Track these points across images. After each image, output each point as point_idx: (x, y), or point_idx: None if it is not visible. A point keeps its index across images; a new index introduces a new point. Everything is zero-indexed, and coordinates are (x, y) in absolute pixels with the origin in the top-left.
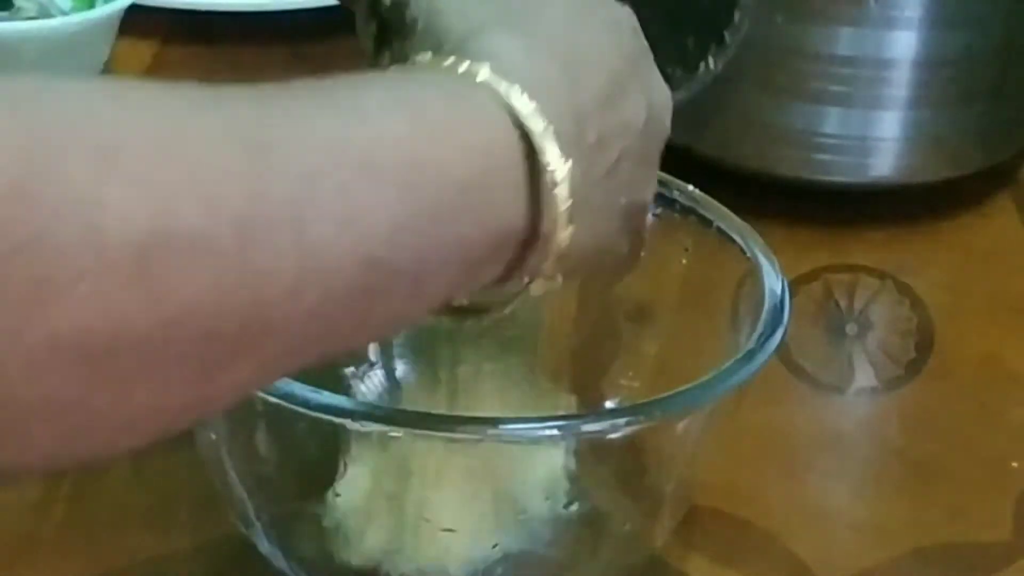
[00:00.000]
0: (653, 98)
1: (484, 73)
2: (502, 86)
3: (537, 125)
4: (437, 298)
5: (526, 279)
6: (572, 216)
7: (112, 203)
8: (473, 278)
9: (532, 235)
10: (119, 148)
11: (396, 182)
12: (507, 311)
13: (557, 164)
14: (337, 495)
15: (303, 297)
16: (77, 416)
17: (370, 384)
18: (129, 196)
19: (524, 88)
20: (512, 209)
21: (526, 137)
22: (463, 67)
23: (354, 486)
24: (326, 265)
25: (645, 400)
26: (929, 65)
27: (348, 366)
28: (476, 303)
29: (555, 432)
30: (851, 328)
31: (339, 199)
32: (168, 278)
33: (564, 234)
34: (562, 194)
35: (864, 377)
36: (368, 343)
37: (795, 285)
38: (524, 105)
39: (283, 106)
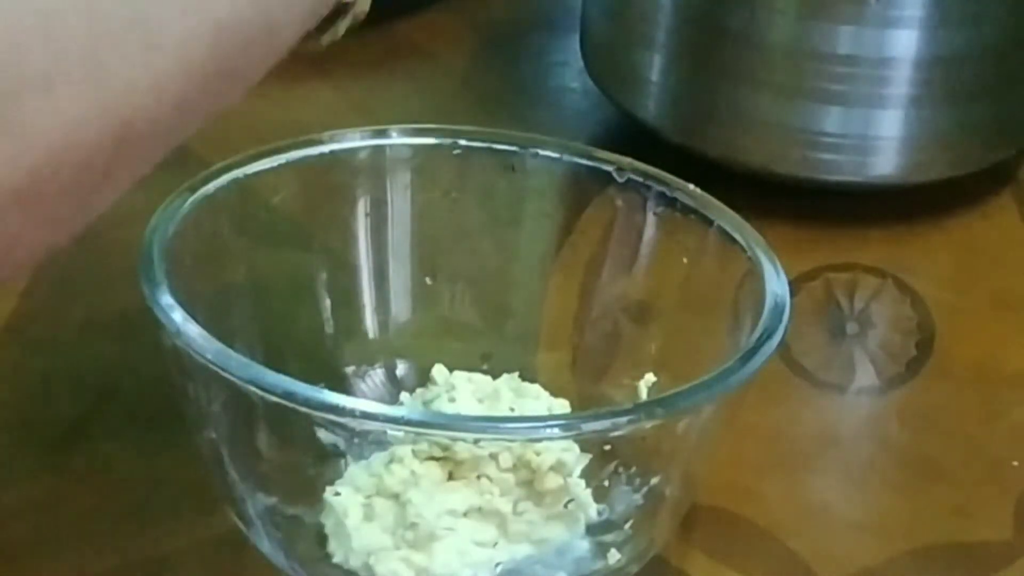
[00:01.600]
0: None
1: None
2: None
3: None
4: (287, 42)
5: None
6: None
7: None
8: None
9: None
10: None
11: None
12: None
13: None
14: (337, 494)
15: (164, 95)
16: None
17: (370, 383)
18: None
19: None
20: None
21: None
22: None
23: (354, 486)
24: (179, 55)
25: (646, 400)
26: (930, 64)
27: (348, 365)
28: None
29: (555, 432)
30: (852, 327)
31: None
32: (27, 125)
33: None
34: None
35: (865, 376)
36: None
37: (796, 284)
38: None
39: None
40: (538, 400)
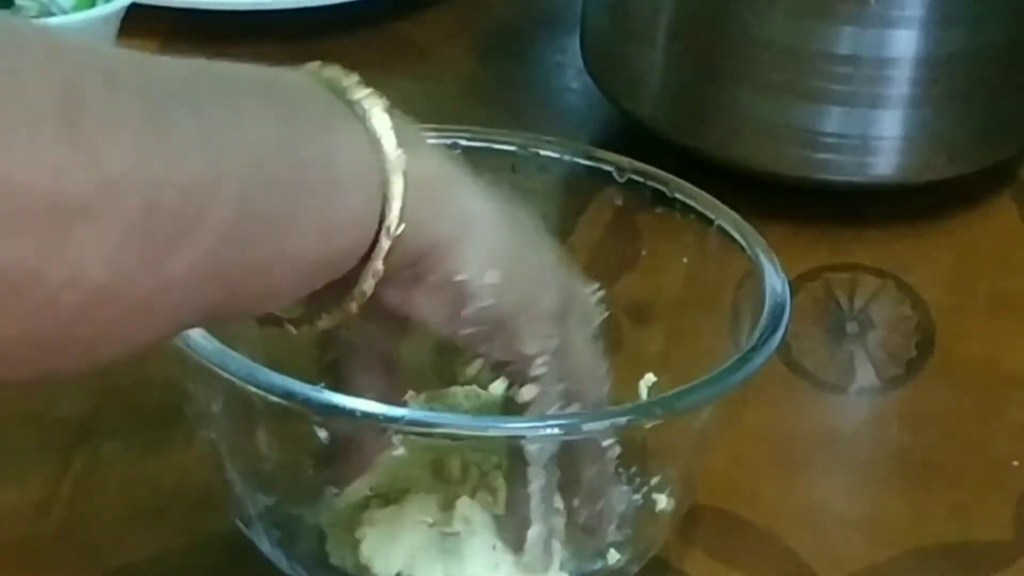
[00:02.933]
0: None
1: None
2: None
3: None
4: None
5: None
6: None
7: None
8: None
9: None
10: None
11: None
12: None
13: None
14: (336, 494)
15: (224, 182)
16: (34, 291)
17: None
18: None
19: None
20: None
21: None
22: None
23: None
24: (233, 158)
25: (646, 400)
26: (930, 64)
27: None
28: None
29: (556, 432)
30: (852, 327)
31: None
32: (99, 143)
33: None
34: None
35: (865, 376)
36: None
37: (796, 284)
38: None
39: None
40: None
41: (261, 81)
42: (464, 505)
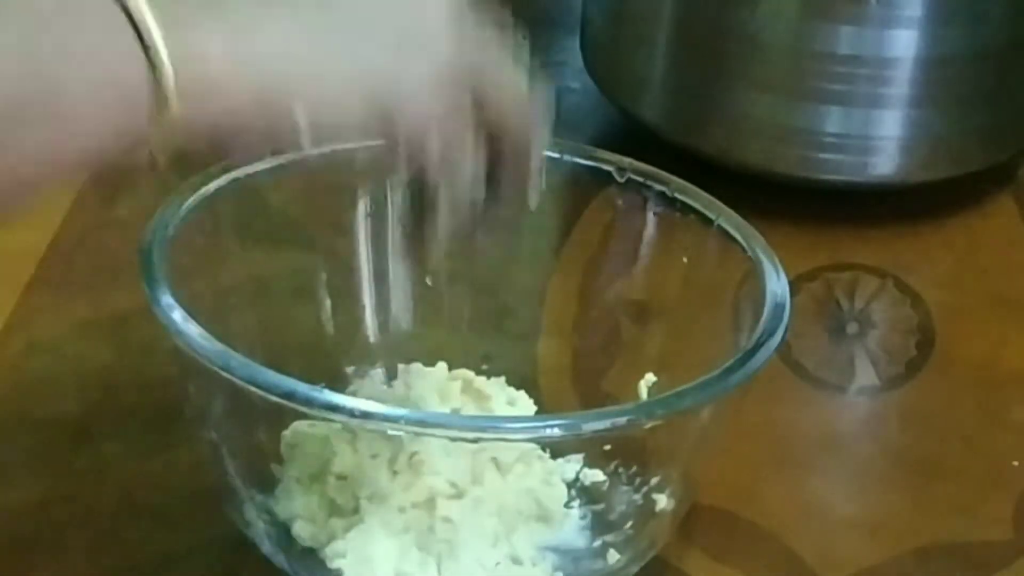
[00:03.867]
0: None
1: None
2: None
3: None
4: (82, 124)
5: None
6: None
7: None
8: (118, 116)
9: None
10: None
11: None
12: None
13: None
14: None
15: None
16: None
17: (371, 383)
18: None
19: None
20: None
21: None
22: None
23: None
24: None
25: (646, 400)
26: (930, 64)
27: (348, 365)
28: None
29: (556, 432)
30: (852, 327)
31: None
32: None
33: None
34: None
35: (865, 376)
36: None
37: (796, 284)
38: None
39: None
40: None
41: None
42: (444, 505)
